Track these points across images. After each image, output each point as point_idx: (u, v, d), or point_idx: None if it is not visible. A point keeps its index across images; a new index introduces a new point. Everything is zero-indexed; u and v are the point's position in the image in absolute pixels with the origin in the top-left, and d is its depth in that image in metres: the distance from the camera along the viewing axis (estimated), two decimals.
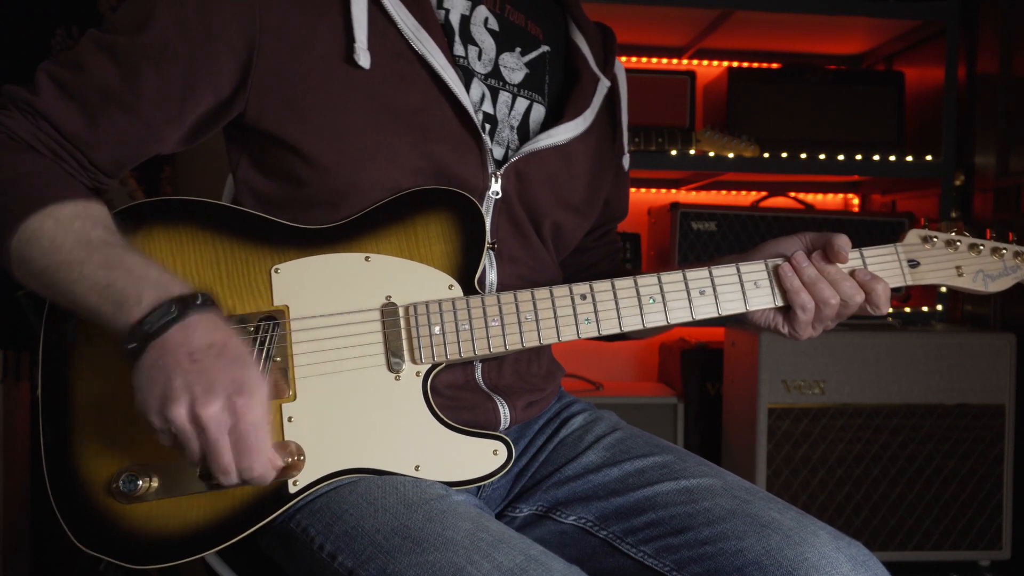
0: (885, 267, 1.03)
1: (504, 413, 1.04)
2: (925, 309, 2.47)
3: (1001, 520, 2.23)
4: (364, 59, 0.94)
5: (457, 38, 1.02)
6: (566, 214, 1.11)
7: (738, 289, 1.00)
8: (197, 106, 0.95)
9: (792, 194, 2.79)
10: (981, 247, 1.06)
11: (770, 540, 0.89)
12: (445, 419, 0.94)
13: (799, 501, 2.18)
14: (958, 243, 1.05)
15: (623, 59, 2.73)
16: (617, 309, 0.98)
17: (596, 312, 0.98)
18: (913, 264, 1.04)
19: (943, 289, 2.47)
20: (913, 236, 1.06)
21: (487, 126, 1.04)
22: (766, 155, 2.43)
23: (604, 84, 1.14)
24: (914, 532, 2.22)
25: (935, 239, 1.05)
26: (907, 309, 2.48)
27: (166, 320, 0.80)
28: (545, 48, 1.12)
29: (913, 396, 2.21)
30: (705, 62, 2.82)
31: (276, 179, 0.99)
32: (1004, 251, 1.06)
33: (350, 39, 0.94)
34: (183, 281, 0.84)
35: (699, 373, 2.49)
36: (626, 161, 1.25)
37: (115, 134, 0.93)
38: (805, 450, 2.20)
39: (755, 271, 1.01)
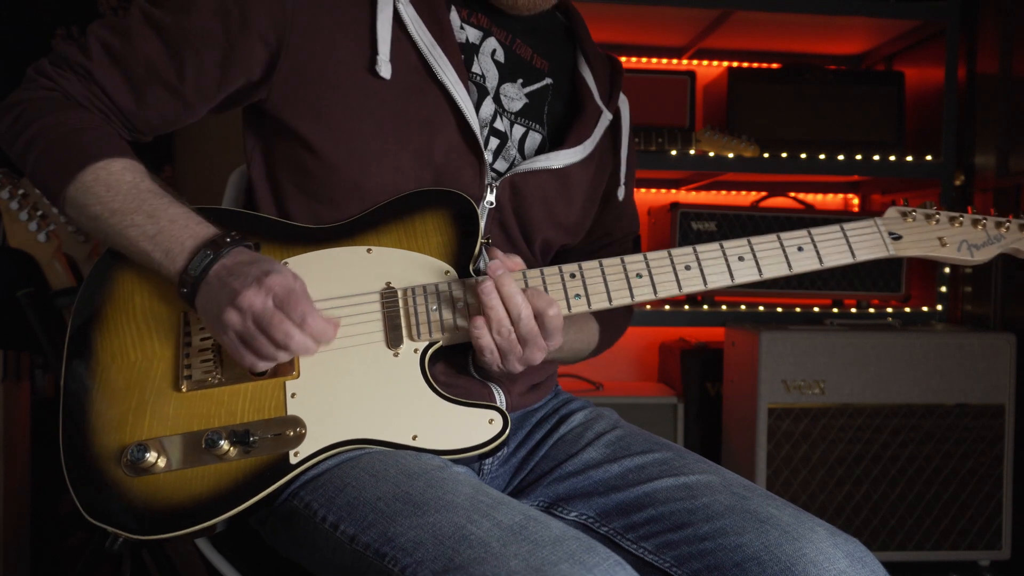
0: (867, 239, 1.06)
1: (500, 399, 1.08)
2: (925, 309, 2.47)
3: (1001, 520, 2.23)
4: (385, 70, 1.02)
5: (475, 57, 1.09)
6: (557, 232, 1.16)
7: (723, 263, 1.04)
8: (230, 86, 1.04)
9: (792, 194, 2.79)
10: (961, 219, 1.08)
11: (768, 536, 0.90)
12: (442, 392, 0.97)
13: (799, 501, 2.18)
14: (937, 217, 1.08)
15: (623, 59, 2.74)
16: (606, 285, 1.01)
17: (585, 288, 1.01)
18: (895, 237, 1.07)
19: (943, 289, 2.48)
20: (892, 212, 1.09)
21: (495, 140, 1.09)
22: (766, 155, 2.44)
23: (607, 117, 1.19)
24: (914, 532, 2.22)
25: (914, 214, 1.08)
26: (907, 309, 2.48)
27: (206, 263, 0.93)
28: (548, 81, 1.17)
29: (913, 396, 2.21)
30: (705, 62, 2.82)
31: (287, 169, 1.06)
32: (984, 222, 1.09)
33: (373, 51, 1.02)
34: (218, 227, 0.97)
35: (699, 373, 2.49)
36: (621, 192, 1.29)
37: (157, 108, 1.04)
38: (805, 450, 2.20)
39: (738, 246, 1.05)
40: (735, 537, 0.91)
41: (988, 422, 2.22)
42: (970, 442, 2.22)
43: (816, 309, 2.46)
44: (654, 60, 2.78)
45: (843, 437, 2.20)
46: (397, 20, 1.03)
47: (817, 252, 1.05)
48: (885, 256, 1.06)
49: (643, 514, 0.99)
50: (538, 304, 0.95)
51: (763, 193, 2.79)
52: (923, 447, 2.21)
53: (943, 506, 2.22)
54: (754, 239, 1.05)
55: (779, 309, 2.45)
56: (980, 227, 1.09)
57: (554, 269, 1.01)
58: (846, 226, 1.06)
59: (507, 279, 0.95)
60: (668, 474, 1.00)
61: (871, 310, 2.46)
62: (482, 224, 1.07)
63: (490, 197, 1.08)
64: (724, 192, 2.87)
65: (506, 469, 1.13)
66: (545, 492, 1.07)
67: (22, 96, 1.02)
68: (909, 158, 2.48)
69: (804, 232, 1.06)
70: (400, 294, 1.00)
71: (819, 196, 2.89)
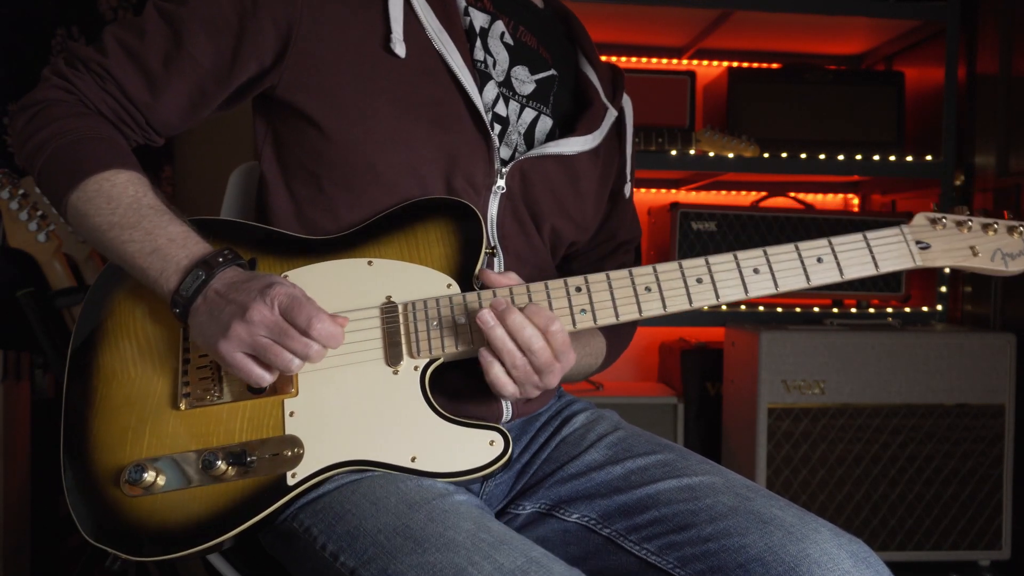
0: (892, 249, 1.00)
1: (506, 405, 1.07)
2: (925, 309, 2.47)
3: (1001, 520, 2.23)
4: (400, 49, 1.02)
5: (479, 43, 1.08)
6: (565, 223, 1.15)
7: (736, 276, 0.99)
8: (242, 74, 1.03)
9: (792, 194, 2.79)
10: (995, 227, 1.01)
11: (772, 536, 0.89)
12: (442, 412, 0.95)
13: (799, 501, 2.18)
14: (970, 224, 1.01)
15: (623, 59, 2.74)
16: (613, 300, 0.98)
17: (592, 303, 0.98)
18: (923, 246, 1.01)
19: (943, 289, 2.48)
20: (920, 219, 1.02)
21: (497, 126, 1.08)
22: (766, 155, 2.44)
23: (612, 113, 1.19)
24: (914, 532, 2.22)
25: (944, 221, 1.01)
26: (907, 309, 2.48)
27: (197, 284, 0.92)
28: (553, 72, 1.17)
29: (913, 396, 2.21)
30: (705, 62, 2.82)
31: (300, 156, 1.05)
32: (1022, 229, 1.02)
33: (387, 30, 1.02)
34: (213, 246, 0.96)
35: (699, 373, 2.49)
36: (628, 189, 1.28)
37: (173, 101, 1.03)
38: (805, 450, 2.20)
39: (753, 258, 1.00)
40: (738, 538, 0.90)
41: (988, 422, 2.22)
42: (970, 442, 2.22)
43: (816, 309, 2.46)
44: (654, 60, 2.78)
45: (843, 437, 2.20)
46: (407, 3, 1.04)
47: (838, 263, 1.00)
48: (911, 267, 1.00)
49: (646, 515, 0.98)
50: (538, 322, 0.92)
51: (763, 193, 2.79)
52: (923, 447, 2.21)
53: (943, 506, 2.22)
54: (770, 249, 0.99)
55: (779, 309, 2.45)
56: (1017, 235, 1.02)
57: (559, 283, 0.98)
58: (869, 235, 1.00)
59: (510, 312, 0.91)
60: (671, 475, 1.00)
61: (871, 310, 2.46)
62: (494, 210, 1.07)
63: (500, 182, 1.07)
64: (724, 192, 2.87)
65: (509, 475, 1.12)
66: (547, 494, 1.07)
67: (37, 97, 1.01)
68: (909, 158, 2.48)
69: (824, 241, 1.00)
70: (400, 309, 0.97)
71: (819, 196, 2.89)
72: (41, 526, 2.15)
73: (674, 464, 1.02)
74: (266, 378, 0.91)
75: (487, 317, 0.91)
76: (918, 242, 1.02)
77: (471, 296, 0.97)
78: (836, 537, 0.90)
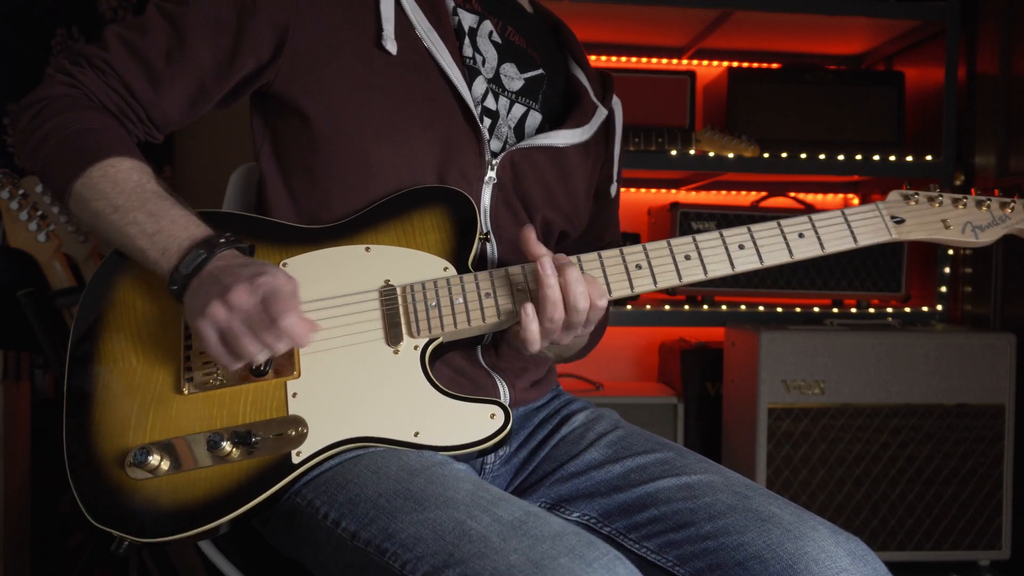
0: (869, 224, 1.06)
1: (504, 392, 1.09)
2: (925, 309, 2.47)
3: (1001, 520, 2.23)
4: (392, 46, 1.05)
5: (467, 41, 1.11)
6: (556, 215, 1.17)
7: (723, 252, 1.03)
8: (240, 71, 1.06)
9: (792, 194, 2.79)
10: (965, 201, 1.07)
11: (770, 534, 0.90)
12: (443, 388, 0.97)
13: (799, 500, 2.18)
14: (940, 199, 1.07)
15: (623, 59, 2.74)
16: (605, 277, 1.01)
17: None
18: (898, 220, 1.06)
19: (943, 289, 2.48)
20: (894, 195, 1.08)
21: (487, 120, 1.11)
22: (766, 155, 2.44)
23: (602, 111, 1.21)
24: (914, 532, 2.22)
25: (917, 197, 1.07)
26: (907, 309, 2.48)
27: (198, 261, 0.93)
28: (542, 71, 1.19)
29: (913, 396, 2.21)
30: (705, 62, 2.82)
31: (295, 150, 1.07)
32: (989, 203, 1.08)
33: (379, 28, 1.06)
34: (217, 229, 0.97)
35: (699, 373, 2.49)
36: (613, 189, 1.30)
37: (175, 98, 1.05)
38: (805, 450, 2.20)
39: (738, 234, 1.04)
40: (737, 536, 0.91)
41: (988, 422, 2.22)
42: (970, 442, 2.22)
43: (816, 309, 2.46)
44: (654, 60, 2.78)
45: (843, 437, 2.20)
46: (397, 4, 1.07)
47: (818, 238, 1.05)
48: (888, 240, 1.05)
49: (645, 514, 0.99)
50: (592, 293, 0.96)
51: (763, 193, 2.79)
52: (923, 447, 2.21)
53: (943, 506, 2.22)
54: (754, 227, 1.04)
55: (779, 309, 2.45)
56: (984, 208, 1.08)
57: None
58: (847, 211, 1.05)
59: (572, 267, 0.95)
60: (670, 474, 1.01)
61: (871, 310, 2.46)
62: (487, 201, 1.09)
63: (491, 174, 1.09)
64: (724, 192, 2.87)
65: (507, 469, 1.13)
66: (547, 493, 1.08)
67: (42, 94, 1.03)
68: (909, 158, 2.48)
69: (804, 218, 1.05)
70: (399, 291, 1.00)
71: (819, 196, 2.89)
72: (41, 525, 2.15)
73: (673, 463, 1.03)
74: (232, 364, 0.92)
75: (546, 266, 0.94)
76: (893, 217, 1.07)
77: (467, 278, 1.00)
78: (834, 535, 0.90)
